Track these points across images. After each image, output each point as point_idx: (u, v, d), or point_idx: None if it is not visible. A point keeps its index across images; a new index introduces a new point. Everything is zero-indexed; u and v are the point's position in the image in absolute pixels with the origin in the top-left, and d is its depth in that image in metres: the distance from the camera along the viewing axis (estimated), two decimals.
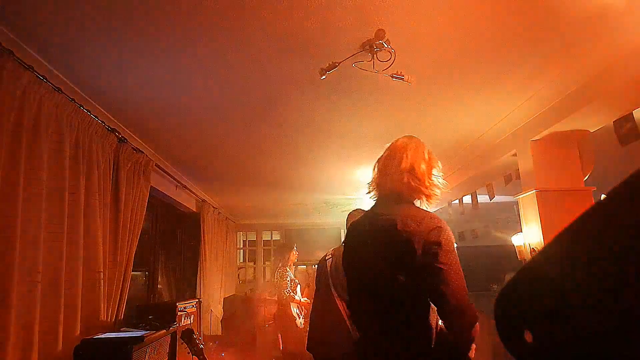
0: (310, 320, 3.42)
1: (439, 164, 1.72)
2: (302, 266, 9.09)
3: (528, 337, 0.44)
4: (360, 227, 1.76)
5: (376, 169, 1.77)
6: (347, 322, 2.91)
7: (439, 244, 1.46)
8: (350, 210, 3.16)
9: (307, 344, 3.22)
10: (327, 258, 3.28)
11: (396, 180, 1.63)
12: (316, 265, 9.04)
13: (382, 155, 1.77)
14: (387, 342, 1.54)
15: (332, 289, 3.06)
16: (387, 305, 1.55)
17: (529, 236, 3.51)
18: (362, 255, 1.67)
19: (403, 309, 1.52)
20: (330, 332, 2.97)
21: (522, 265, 0.47)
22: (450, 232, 1.54)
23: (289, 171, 5.23)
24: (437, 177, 1.66)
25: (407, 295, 1.50)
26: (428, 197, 1.64)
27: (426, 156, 1.68)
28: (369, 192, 1.79)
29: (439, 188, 1.66)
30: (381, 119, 3.51)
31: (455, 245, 1.51)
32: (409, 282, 1.47)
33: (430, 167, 1.66)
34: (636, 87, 2.61)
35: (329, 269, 3.19)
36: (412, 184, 1.61)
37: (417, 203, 1.66)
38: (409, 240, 1.47)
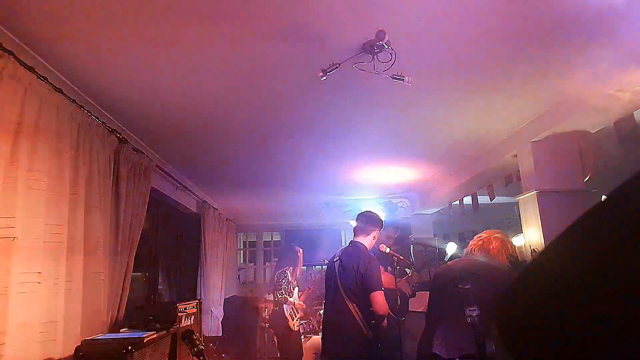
0: (322, 322, 3.41)
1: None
2: (303, 267, 9.08)
3: (528, 338, 0.44)
4: None
5: None
6: (360, 323, 2.91)
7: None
8: None
9: (322, 346, 3.22)
10: (334, 260, 3.28)
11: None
12: (317, 267, 9.06)
13: None
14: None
15: (341, 290, 3.05)
16: None
17: (530, 237, 3.51)
18: None
19: None
20: (343, 333, 2.97)
21: (523, 266, 0.47)
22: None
23: (289, 172, 5.23)
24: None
25: None
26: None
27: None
28: None
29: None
30: (381, 119, 3.52)
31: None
32: None
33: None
34: (636, 88, 2.61)
35: (337, 271, 3.18)
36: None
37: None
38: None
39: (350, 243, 3.31)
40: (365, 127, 3.68)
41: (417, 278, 4.05)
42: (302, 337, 5.51)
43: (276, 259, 8.93)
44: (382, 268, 3.31)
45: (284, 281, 5.15)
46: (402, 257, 3.34)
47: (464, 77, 2.78)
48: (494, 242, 2.61)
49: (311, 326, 6.61)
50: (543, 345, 0.43)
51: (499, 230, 2.70)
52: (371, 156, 4.67)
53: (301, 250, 5.49)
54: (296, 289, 5.31)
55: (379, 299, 2.90)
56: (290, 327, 5.02)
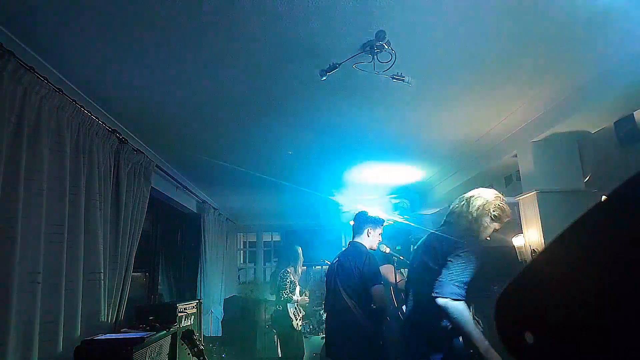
0: (325, 323, 3.44)
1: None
2: (303, 267, 9.08)
3: (529, 338, 0.44)
4: None
5: None
6: (362, 321, 2.92)
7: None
8: None
9: (326, 347, 3.23)
10: (334, 262, 3.32)
11: None
12: (317, 267, 9.06)
13: None
14: None
15: (341, 290, 3.07)
16: None
17: (530, 237, 3.51)
18: None
19: None
20: (346, 333, 2.98)
21: (523, 267, 0.47)
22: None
23: (289, 172, 5.23)
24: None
25: None
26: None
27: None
28: None
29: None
30: (381, 119, 3.52)
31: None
32: None
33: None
34: (636, 88, 2.61)
35: (336, 272, 3.20)
36: None
37: None
38: None
39: (349, 244, 3.35)
40: (365, 127, 3.68)
41: None
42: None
43: (276, 260, 8.94)
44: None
45: (287, 280, 5.17)
46: (402, 257, 3.35)
47: (464, 77, 2.78)
48: (476, 202, 2.28)
49: (311, 326, 6.62)
50: (542, 345, 0.43)
51: (488, 189, 2.35)
52: (371, 156, 4.66)
53: (300, 249, 5.52)
54: (297, 287, 5.32)
55: (378, 292, 2.92)
56: (293, 327, 5.04)
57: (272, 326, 5.49)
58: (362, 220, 3.30)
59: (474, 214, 2.27)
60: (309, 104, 3.14)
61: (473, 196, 2.34)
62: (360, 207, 3.54)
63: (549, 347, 0.42)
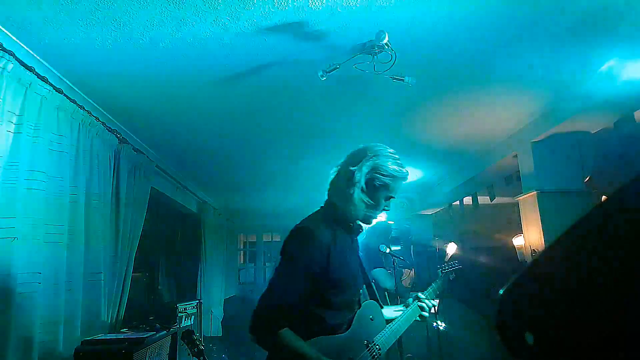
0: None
1: None
2: None
3: (529, 338, 0.44)
4: None
5: None
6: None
7: None
8: None
9: None
10: None
11: None
12: None
13: None
14: None
15: None
16: None
17: (530, 237, 3.51)
18: None
19: None
20: None
21: (523, 267, 0.47)
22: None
23: (290, 172, 5.23)
24: None
25: None
26: None
27: None
28: None
29: None
30: (381, 119, 3.52)
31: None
32: None
33: None
34: (636, 88, 2.61)
35: None
36: None
37: None
38: None
39: None
40: (365, 127, 3.67)
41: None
42: None
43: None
44: None
45: None
46: (402, 258, 3.35)
47: (464, 78, 2.78)
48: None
49: None
50: (542, 345, 0.43)
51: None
52: None
53: None
54: None
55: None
56: None
57: None
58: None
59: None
60: (309, 104, 3.14)
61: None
62: None
63: (549, 347, 0.42)
